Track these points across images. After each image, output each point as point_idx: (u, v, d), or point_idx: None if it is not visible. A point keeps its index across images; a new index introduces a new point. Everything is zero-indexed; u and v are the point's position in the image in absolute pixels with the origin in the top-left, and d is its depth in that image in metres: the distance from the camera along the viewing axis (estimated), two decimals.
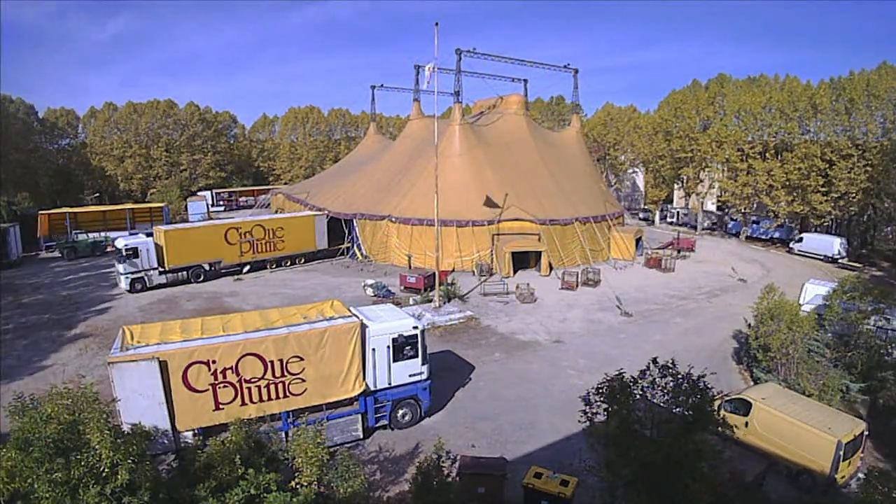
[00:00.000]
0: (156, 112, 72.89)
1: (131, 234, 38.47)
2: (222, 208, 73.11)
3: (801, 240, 46.34)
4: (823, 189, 44.59)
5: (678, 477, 9.81)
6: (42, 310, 29.20)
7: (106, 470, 8.55)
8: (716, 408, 12.07)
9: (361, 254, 41.49)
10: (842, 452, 13.23)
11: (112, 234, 43.30)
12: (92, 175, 69.50)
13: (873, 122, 42.91)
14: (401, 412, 16.48)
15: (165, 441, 12.90)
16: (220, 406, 13.61)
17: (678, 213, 63.08)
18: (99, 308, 29.42)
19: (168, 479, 10.70)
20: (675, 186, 66.50)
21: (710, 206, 62.70)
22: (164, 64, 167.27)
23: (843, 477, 13.66)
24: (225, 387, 13.61)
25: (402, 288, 32.13)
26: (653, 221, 65.48)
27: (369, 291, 30.97)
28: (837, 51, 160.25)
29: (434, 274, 29.30)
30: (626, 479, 10.67)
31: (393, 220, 39.34)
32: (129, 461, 8.74)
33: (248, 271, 36.96)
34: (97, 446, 8.55)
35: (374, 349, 15.50)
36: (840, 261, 42.86)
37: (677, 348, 22.47)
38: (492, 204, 37.45)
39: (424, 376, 16.57)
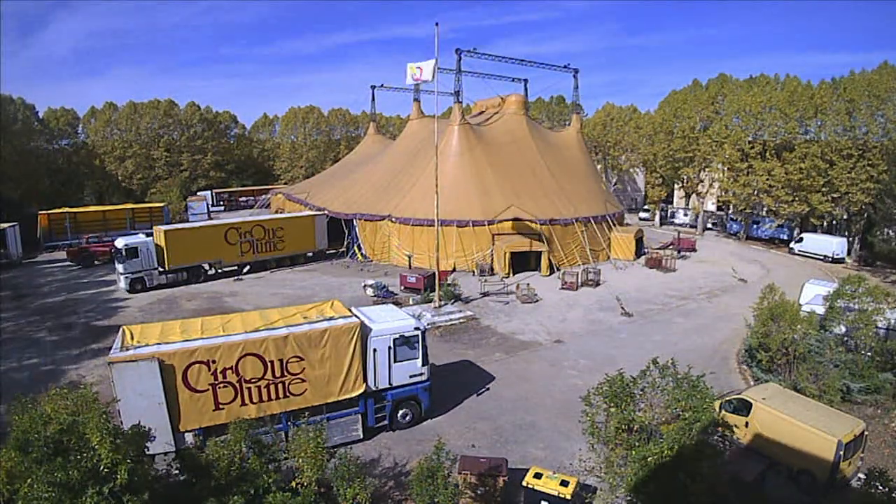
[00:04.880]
0: (156, 112, 72.97)
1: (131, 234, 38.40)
2: (222, 208, 73.10)
3: (801, 240, 46.34)
4: (824, 189, 44.57)
5: (678, 477, 9.80)
6: (42, 310, 29.21)
7: (105, 470, 8.54)
8: (716, 408, 12.07)
9: (361, 254, 41.49)
10: (842, 452, 13.22)
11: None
12: (92, 175, 69.52)
13: (874, 123, 42.88)
14: (401, 412, 16.47)
15: (165, 441, 12.88)
16: (221, 406, 13.61)
17: (690, 213, 62.63)
18: (99, 308, 29.44)
19: (168, 479, 10.70)
20: (676, 186, 66.47)
21: (711, 206, 62.66)
22: (163, 63, 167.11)
23: (843, 477, 13.65)
24: (225, 387, 13.61)
25: (402, 288, 32.12)
26: (653, 221, 65.50)
27: (369, 291, 30.96)
28: (838, 51, 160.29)
29: (434, 274, 29.29)
30: (626, 479, 10.67)
31: (393, 220, 39.34)
32: (129, 461, 8.73)
33: (249, 271, 36.97)
34: (97, 446, 8.55)
35: (374, 349, 15.49)
36: (844, 261, 42.94)
37: (678, 348, 22.47)
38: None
39: (425, 377, 16.56)
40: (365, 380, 15.43)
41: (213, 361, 13.39)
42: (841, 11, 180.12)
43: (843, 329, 19.91)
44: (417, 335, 16.12)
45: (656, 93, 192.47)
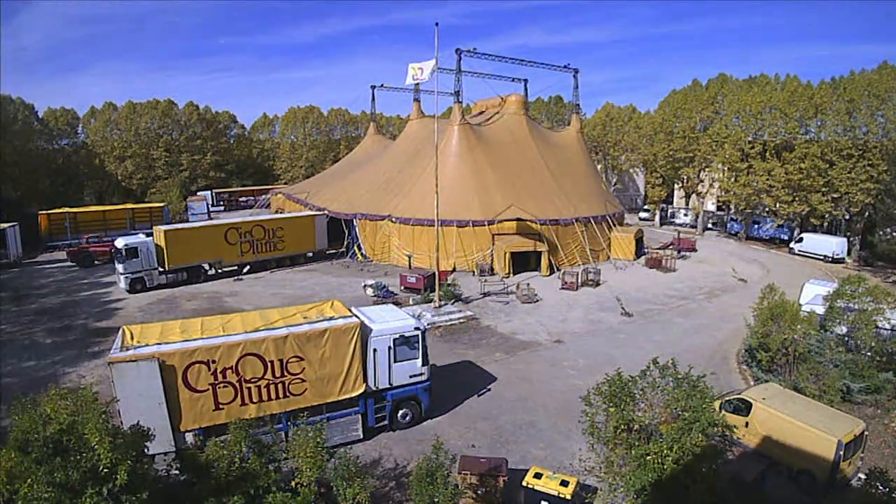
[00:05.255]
0: (155, 112, 73.02)
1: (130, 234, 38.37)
2: (222, 208, 73.10)
3: (801, 240, 46.38)
4: (824, 189, 44.59)
5: (678, 478, 9.80)
6: (41, 311, 29.18)
7: (105, 470, 8.53)
8: (716, 408, 12.07)
9: (361, 254, 41.49)
10: (842, 452, 13.22)
11: None
12: (92, 175, 69.51)
13: (874, 123, 42.89)
14: (401, 412, 16.47)
15: (166, 441, 12.87)
16: (220, 406, 13.60)
17: (690, 213, 62.50)
18: (99, 308, 29.42)
19: (168, 479, 10.69)
20: (676, 186, 66.46)
21: (711, 206, 62.68)
22: (162, 62, 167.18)
23: (843, 477, 13.64)
24: (225, 387, 13.60)
25: (402, 288, 32.11)
26: (653, 221, 65.48)
27: (369, 291, 30.95)
28: (838, 50, 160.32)
29: (434, 274, 29.28)
30: (626, 479, 10.66)
31: (393, 220, 39.34)
32: (129, 462, 8.72)
33: (249, 271, 36.96)
34: (96, 447, 8.54)
35: (374, 349, 15.49)
36: (844, 261, 42.98)
37: (678, 348, 22.47)
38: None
39: (425, 377, 16.55)
40: (365, 380, 15.43)
41: (213, 361, 13.38)
42: (840, 10, 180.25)
43: (844, 329, 19.92)
44: (417, 335, 16.11)
45: (657, 92, 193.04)
